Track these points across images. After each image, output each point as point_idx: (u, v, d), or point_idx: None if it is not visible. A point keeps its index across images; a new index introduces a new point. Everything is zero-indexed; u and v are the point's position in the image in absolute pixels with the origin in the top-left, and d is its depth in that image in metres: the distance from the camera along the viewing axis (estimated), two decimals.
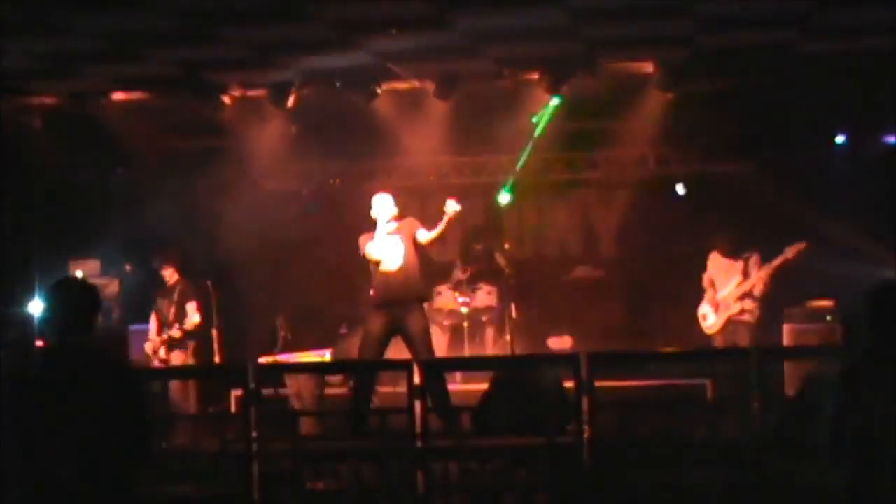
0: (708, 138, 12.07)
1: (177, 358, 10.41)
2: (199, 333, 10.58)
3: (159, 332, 10.51)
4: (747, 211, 11.31)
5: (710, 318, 10.21)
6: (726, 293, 10.10)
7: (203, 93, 11.30)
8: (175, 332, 10.37)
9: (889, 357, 4.60)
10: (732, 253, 10.15)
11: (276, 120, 11.85)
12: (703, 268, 10.38)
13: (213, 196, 12.27)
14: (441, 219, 8.88)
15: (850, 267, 10.29)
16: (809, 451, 6.74)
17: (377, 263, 9.03)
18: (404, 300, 8.92)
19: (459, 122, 11.76)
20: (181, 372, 10.49)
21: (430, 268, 9.96)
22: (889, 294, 4.69)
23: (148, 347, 10.52)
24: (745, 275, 10.06)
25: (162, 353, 10.41)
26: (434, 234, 8.99)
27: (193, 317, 10.39)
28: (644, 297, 12.46)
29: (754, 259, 10.09)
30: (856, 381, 4.62)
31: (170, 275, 10.58)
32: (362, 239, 9.08)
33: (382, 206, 9.10)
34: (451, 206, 8.82)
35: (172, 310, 10.44)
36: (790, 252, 9.86)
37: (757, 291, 10.00)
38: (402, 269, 8.96)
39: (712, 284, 10.27)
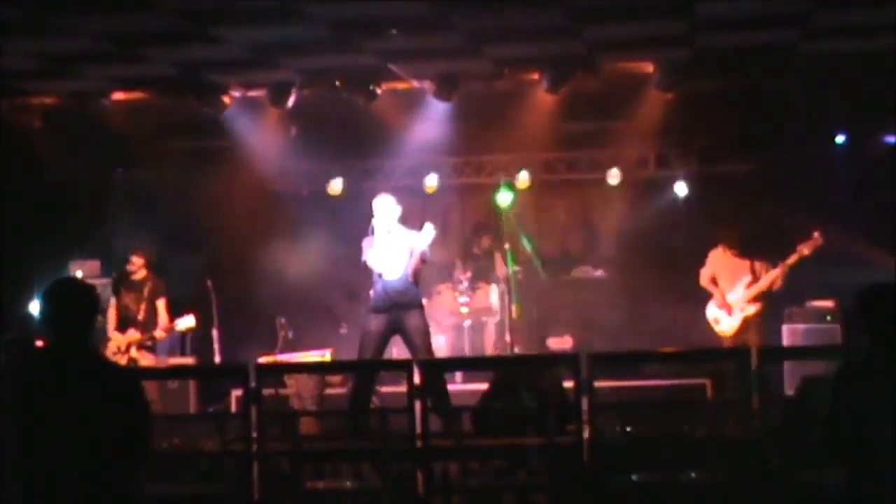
0: (708, 138, 12.07)
1: (146, 360, 9.84)
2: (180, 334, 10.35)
3: (119, 328, 9.93)
4: (747, 211, 11.30)
5: (724, 322, 10.16)
6: (739, 295, 10.06)
7: (203, 93, 11.30)
8: (159, 333, 9.90)
9: (882, 357, 4.61)
10: (741, 250, 10.11)
11: (276, 120, 11.86)
12: (703, 265, 10.36)
13: (212, 196, 12.26)
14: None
15: (850, 267, 10.28)
16: (809, 451, 6.75)
17: (379, 274, 8.94)
18: (403, 304, 8.88)
19: (459, 122, 11.76)
20: (181, 372, 10.47)
21: (430, 268, 9.95)
22: (879, 295, 4.70)
23: (110, 347, 9.83)
24: (755, 275, 10.02)
25: (133, 352, 9.79)
26: (416, 263, 8.87)
27: (187, 319, 9.95)
28: (644, 297, 12.45)
29: (759, 264, 10.06)
30: (850, 381, 4.63)
31: (138, 268, 10.04)
32: (365, 243, 8.94)
33: (384, 209, 8.89)
34: (428, 233, 8.74)
35: (143, 307, 9.91)
36: (806, 248, 9.83)
37: (775, 289, 9.98)
38: (402, 278, 8.87)
39: (715, 283, 10.23)
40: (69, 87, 11.22)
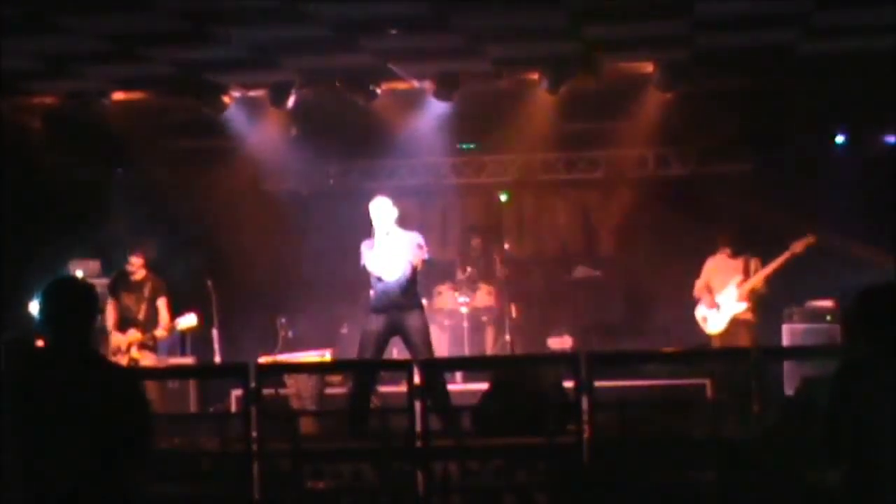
0: (708, 138, 12.07)
1: (147, 359, 9.79)
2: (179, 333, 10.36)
3: (120, 328, 9.88)
4: (747, 211, 11.30)
5: (711, 321, 10.13)
6: (728, 293, 10.04)
7: (203, 93, 11.30)
8: (160, 333, 9.87)
9: (881, 357, 4.61)
10: (737, 251, 10.07)
11: (276, 120, 11.87)
12: (699, 273, 10.31)
13: (212, 196, 12.27)
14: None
15: (850, 267, 10.28)
16: (808, 451, 6.76)
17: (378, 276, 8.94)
18: (403, 305, 8.87)
19: (459, 122, 11.76)
20: (181, 372, 10.47)
21: (430, 268, 9.95)
22: (878, 296, 4.70)
23: (110, 347, 9.79)
24: (747, 274, 10.01)
25: (133, 352, 9.74)
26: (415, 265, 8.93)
27: (189, 318, 9.93)
28: (644, 297, 12.45)
29: (755, 262, 10.03)
30: (850, 381, 4.62)
31: (137, 268, 9.97)
32: (364, 246, 8.92)
33: (381, 211, 8.86)
34: (419, 251, 8.79)
35: (143, 307, 9.87)
36: (798, 246, 9.74)
37: (760, 287, 9.95)
38: (400, 280, 8.86)
39: (709, 289, 10.17)
40: (69, 87, 11.22)
